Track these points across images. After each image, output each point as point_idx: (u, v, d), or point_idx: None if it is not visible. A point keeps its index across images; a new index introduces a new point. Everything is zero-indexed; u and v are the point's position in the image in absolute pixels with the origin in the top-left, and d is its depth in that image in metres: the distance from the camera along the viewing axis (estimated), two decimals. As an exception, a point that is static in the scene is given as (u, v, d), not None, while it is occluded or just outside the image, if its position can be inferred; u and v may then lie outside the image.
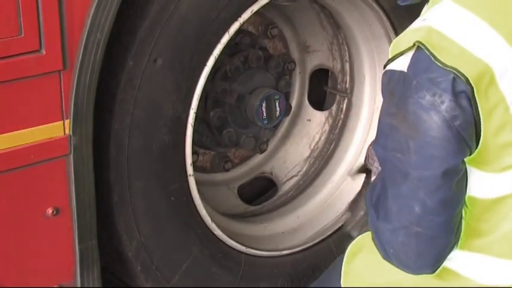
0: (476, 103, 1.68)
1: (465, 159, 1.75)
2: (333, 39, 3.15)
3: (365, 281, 2.10)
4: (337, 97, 3.24)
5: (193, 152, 2.64)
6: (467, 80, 1.67)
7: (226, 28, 2.47)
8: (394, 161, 1.77)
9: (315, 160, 3.24)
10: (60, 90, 2.15)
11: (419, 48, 1.72)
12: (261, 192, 3.25)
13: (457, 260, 1.90)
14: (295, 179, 3.23)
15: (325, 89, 3.27)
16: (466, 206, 1.85)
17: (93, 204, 2.31)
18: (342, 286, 2.15)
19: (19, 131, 2.12)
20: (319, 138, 3.26)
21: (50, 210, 2.23)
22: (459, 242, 1.88)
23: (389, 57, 1.80)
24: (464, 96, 1.67)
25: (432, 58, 1.69)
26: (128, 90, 2.33)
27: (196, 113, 2.50)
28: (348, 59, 3.15)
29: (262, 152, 3.14)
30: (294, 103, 3.23)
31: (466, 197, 1.83)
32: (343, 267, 2.17)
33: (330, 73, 3.24)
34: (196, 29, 2.39)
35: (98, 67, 2.19)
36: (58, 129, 2.18)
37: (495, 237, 1.85)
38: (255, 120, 2.84)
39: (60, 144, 2.19)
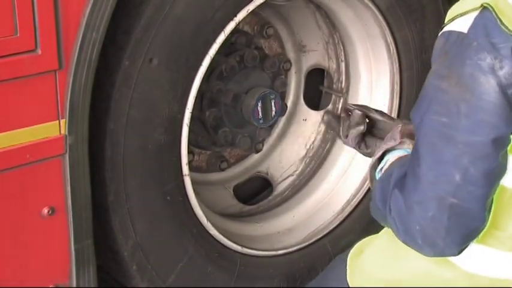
0: None
1: None
2: (328, 39, 3.15)
3: (373, 276, 2.08)
4: (333, 97, 3.24)
5: (189, 152, 2.64)
6: None
7: (221, 28, 2.47)
8: (437, 126, 1.69)
9: (311, 160, 3.24)
10: (55, 90, 2.15)
11: (484, 10, 1.67)
12: (257, 192, 3.25)
13: (469, 254, 1.85)
14: (291, 178, 3.23)
15: (321, 89, 3.27)
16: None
17: (88, 204, 2.30)
18: (350, 286, 2.13)
19: (14, 131, 2.12)
20: (315, 138, 3.26)
21: (45, 210, 2.23)
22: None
23: (447, 19, 1.74)
24: None
25: (498, 21, 1.64)
26: (124, 90, 2.33)
27: (192, 113, 2.50)
28: (343, 58, 3.16)
29: (257, 151, 3.14)
30: (289, 103, 3.23)
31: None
32: (348, 265, 2.14)
33: (325, 73, 3.24)
34: (192, 29, 2.39)
35: (94, 67, 2.19)
36: (54, 128, 2.18)
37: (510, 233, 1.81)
38: (251, 120, 2.84)
39: (56, 143, 2.19)
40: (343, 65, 3.17)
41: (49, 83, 2.14)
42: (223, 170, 3.07)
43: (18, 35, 2.04)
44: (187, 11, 2.36)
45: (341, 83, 3.20)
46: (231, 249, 2.76)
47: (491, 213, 1.78)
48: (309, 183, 3.21)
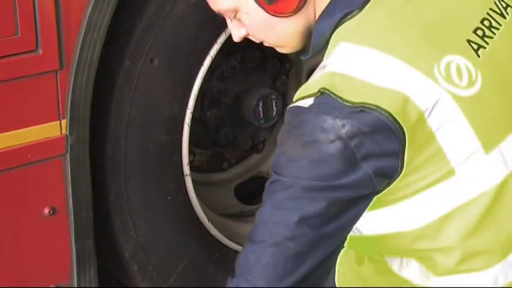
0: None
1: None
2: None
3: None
4: (334, 97, 3.23)
5: (190, 152, 2.64)
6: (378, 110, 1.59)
7: (222, 28, 2.47)
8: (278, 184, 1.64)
9: (312, 160, 3.23)
10: (56, 90, 2.15)
11: (323, 94, 1.64)
12: (258, 192, 3.25)
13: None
14: (292, 178, 3.23)
15: (322, 89, 3.27)
16: None
17: (89, 204, 2.30)
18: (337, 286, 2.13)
19: (15, 131, 2.12)
20: (316, 138, 3.25)
21: (46, 210, 2.23)
22: None
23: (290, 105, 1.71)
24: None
25: (339, 100, 1.61)
26: (125, 90, 2.33)
27: (193, 113, 2.50)
28: (344, 58, 3.15)
29: (259, 151, 3.14)
30: (290, 103, 3.22)
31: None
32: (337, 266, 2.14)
33: (326, 73, 3.24)
34: (193, 29, 2.40)
35: (95, 67, 2.19)
36: (55, 129, 2.18)
37: None
38: (252, 120, 2.84)
39: (57, 144, 2.19)
40: (344, 65, 3.16)
41: (50, 83, 2.14)
42: (224, 170, 3.07)
43: (19, 35, 2.04)
44: (188, 11, 2.36)
45: (342, 83, 3.19)
46: (232, 250, 2.76)
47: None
48: (310, 183, 3.21)
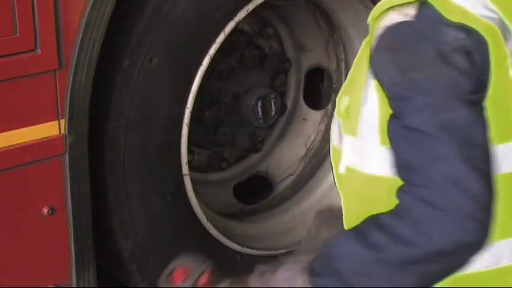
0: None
1: None
2: (328, 39, 3.15)
3: None
4: (333, 96, 3.24)
5: (189, 151, 2.64)
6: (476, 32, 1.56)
7: (221, 27, 2.47)
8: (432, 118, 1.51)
9: (311, 159, 3.24)
10: (55, 90, 2.15)
11: (423, 5, 1.58)
12: (257, 192, 3.25)
13: None
14: (291, 178, 3.23)
15: (321, 88, 3.27)
16: None
17: (88, 204, 2.30)
18: None
19: (15, 131, 2.12)
20: (315, 138, 3.26)
21: (45, 210, 2.23)
22: None
23: (374, 17, 1.66)
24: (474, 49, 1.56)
25: (442, 15, 1.57)
26: (124, 90, 2.33)
27: (192, 113, 2.50)
28: (343, 58, 3.16)
29: (257, 151, 3.14)
30: (289, 102, 3.23)
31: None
32: None
33: (325, 72, 3.24)
34: (192, 29, 2.40)
35: (94, 66, 2.19)
36: (54, 128, 2.18)
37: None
38: (251, 120, 2.84)
39: (56, 143, 2.19)
40: (342, 64, 3.17)
41: (49, 83, 2.14)
42: (223, 169, 3.07)
43: (18, 34, 2.04)
44: (187, 10, 2.36)
45: (341, 82, 3.20)
46: (231, 249, 2.76)
47: None
48: (309, 182, 3.21)
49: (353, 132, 1.66)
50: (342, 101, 1.70)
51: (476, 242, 1.48)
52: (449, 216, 1.45)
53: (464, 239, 1.46)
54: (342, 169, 1.70)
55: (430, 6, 1.60)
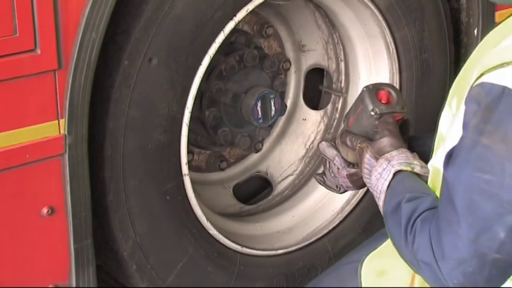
0: None
1: None
2: (328, 39, 3.15)
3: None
4: (333, 96, 3.24)
5: (189, 152, 2.64)
6: None
7: (221, 27, 2.47)
8: (478, 183, 1.63)
9: (310, 159, 3.24)
10: (55, 90, 2.15)
11: None
12: (256, 192, 3.25)
13: None
14: (291, 178, 3.23)
15: (321, 88, 3.27)
16: None
17: (88, 204, 2.30)
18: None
19: (14, 130, 2.12)
20: (315, 138, 3.26)
21: (45, 210, 2.23)
22: None
23: (489, 67, 1.64)
24: None
25: None
26: (123, 90, 2.33)
27: (192, 113, 2.50)
28: (343, 58, 3.15)
29: (257, 151, 3.14)
30: (289, 102, 3.23)
31: None
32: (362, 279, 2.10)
33: (325, 72, 3.24)
34: (192, 29, 2.39)
35: (93, 66, 2.19)
36: (53, 128, 2.18)
37: None
38: (251, 120, 2.84)
39: (55, 143, 2.19)
40: (342, 64, 3.17)
41: (48, 83, 2.14)
42: (222, 169, 3.07)
43: (17, 34, 2.04)
44: (187, 10, 2.36)
45: (340, 82, 3.20)
46: (231, 249, 2.76)
47: None
48: (309, 182, 3.21)
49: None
50: (452, 97, 1.79)
51: None
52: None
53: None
54: (441, 155, 1.79)
55: None
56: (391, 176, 1.88)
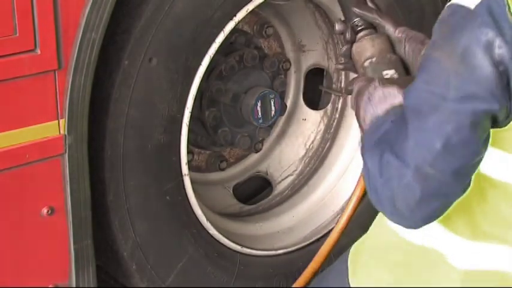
0: None
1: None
2: (328, 39, 3.15)
3: (372, 276, 2.07)
4: (332, 96, 3.24)
5: (189, 152, 2.64)
6: None
7: (221, 27, 2.47)
8: (425, 94, 1.67)
9: (310, 159, 3.24)
10: (55, 90, 2.15)
11: None
12: (257, 192, 3.25)
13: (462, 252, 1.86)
14: (291, 178, 3.23)
15: (321, 88, 3.27)
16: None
17: (88, 204, 2.30)
18: (351, 286, 2.11)
19: (14, 131, 2.12)
20: (315, 138, 3.26)
21: (45, 210, 2.23)
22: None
23: None
24: None
25: (507, 8, 1.60)
26: (123, 90, 2.33)
27: (192, 113, 2.50)
28: (343, 58, 3.15)
29: (257, 151, 3.14)
30: (289, 102, 3.23)
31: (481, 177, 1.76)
32: (348, 265, 2.12)
33: (325, 72, 3.24)
34: (192, 29, 2.39)
35: (93, 66, 2.19)
36: (53, 128, 2.18)
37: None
38: (250, 120, 2.84)
39: (55, 143, 2.19)
40: (342, 64, 3.16)
41: (48, 83, 2.14)
42: (222, 169, 3.07)
43: (17, 34, 2.04)
44: (187, 10, 2.36)
45: (340, 82, 3.20)
46: (231, 249, 2.76)
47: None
48: (309, 182, 3.21)
49: None
50: None
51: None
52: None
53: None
54: None
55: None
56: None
